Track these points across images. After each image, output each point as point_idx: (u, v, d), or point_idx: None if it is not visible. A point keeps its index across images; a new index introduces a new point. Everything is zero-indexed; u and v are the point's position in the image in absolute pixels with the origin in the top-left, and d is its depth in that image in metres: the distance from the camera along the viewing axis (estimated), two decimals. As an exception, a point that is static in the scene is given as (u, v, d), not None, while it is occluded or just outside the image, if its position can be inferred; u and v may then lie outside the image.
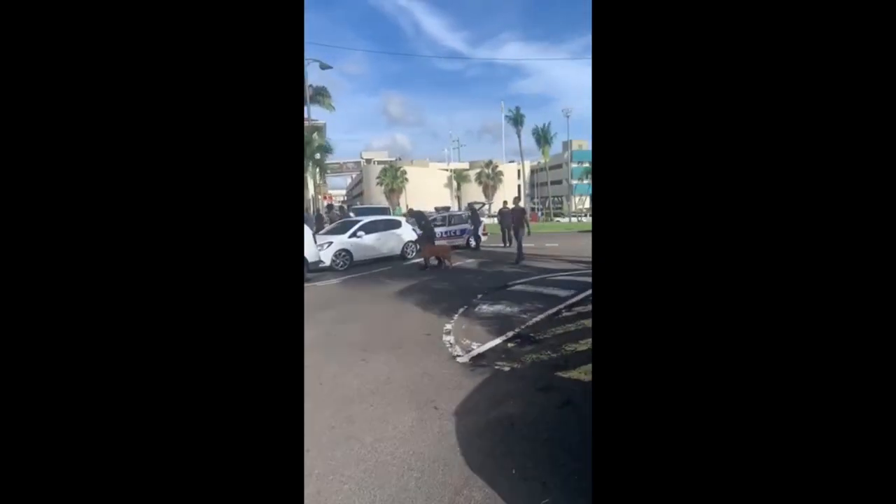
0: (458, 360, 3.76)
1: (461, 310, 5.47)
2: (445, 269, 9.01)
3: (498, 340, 4.20)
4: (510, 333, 4.39)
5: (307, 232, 8.64)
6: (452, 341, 4.26)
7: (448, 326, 4.75)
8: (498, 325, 4.72)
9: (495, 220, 16.57)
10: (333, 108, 22.21)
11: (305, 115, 19.41)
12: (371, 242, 10.44)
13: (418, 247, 10.42)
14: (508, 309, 5.40)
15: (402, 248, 11.06)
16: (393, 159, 50.36)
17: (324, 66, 18.43)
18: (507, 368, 3.49)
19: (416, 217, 10.66)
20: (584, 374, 3.22)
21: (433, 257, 9.41)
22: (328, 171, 23.96)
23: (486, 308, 5.54)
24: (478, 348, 4.02)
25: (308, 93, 19.26)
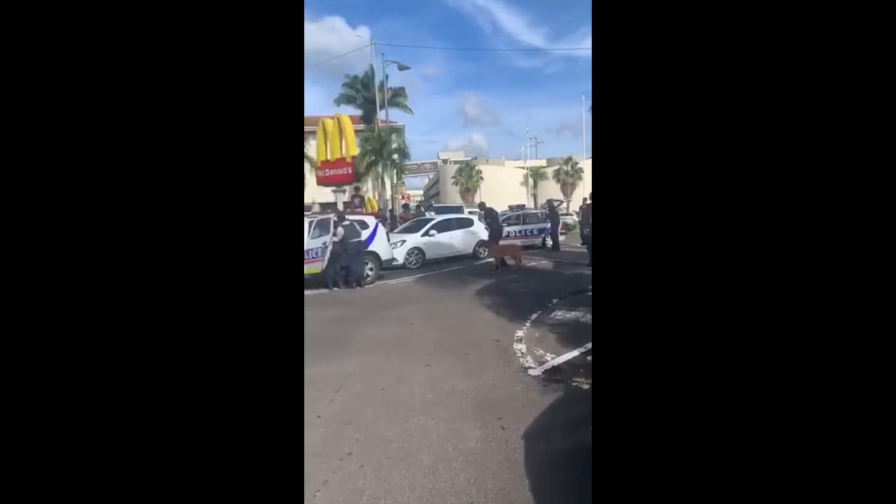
0: (530, 372, 3.41)
1: (534, 315, 5.07)
2: (518, 270, 8.62)
3: (575, 352, 3.77)
4: (590, 345, 3.92)
5: (381, 230, 8.75)
6: (524, 350, 3.91)
7: (519, 333, 4.40)
8: (576, 334, 4.26)
9: (575, 218, 15.69)
10: (410, 110, 22.63)
11: (383, 118, 20.00)
12: (443, 241, 10.34)
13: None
14: (588, 316, 4.89)
15: (475, 246, 10.81)
16: (468, 159, 50.47)
17: (402, 67, 18.85)
18: (585, 386, 3.07)
19: (486, 213, 10.35)
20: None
21: (505, 257, 9.06)
22: (406, 172, 24.51)
23: (562, 314, 5.08)
24: (552, 360, 3.63)
25: (387, 94, 19.82)
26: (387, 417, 2.75)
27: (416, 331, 4.77)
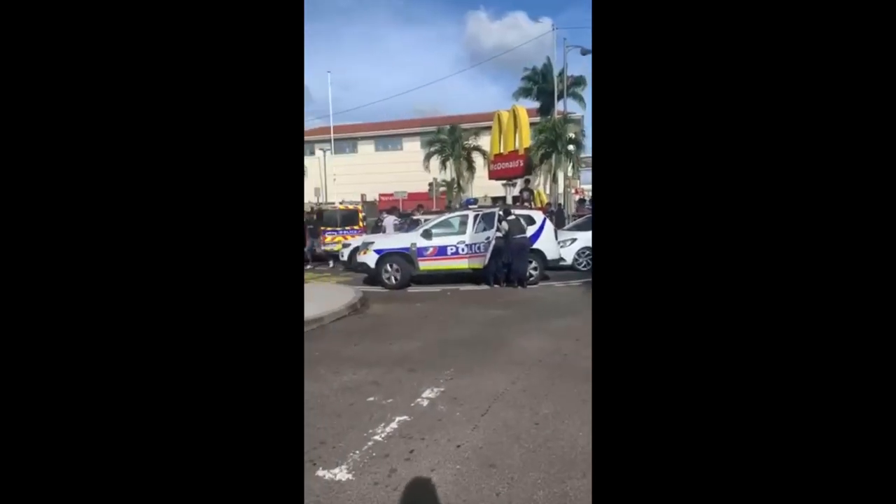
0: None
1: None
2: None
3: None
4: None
5: (548, 227, 8.07)
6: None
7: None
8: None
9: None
10: (584, 101, 21.02)
11: (560, 108, 18.94)
12: (621, 243, 9.06)
13: None
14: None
15: (660, 252, 9.18)
16: (655, 149, 44.97)
17: (585, 52, 17.53)
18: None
19: None
20: None
21: None
22: (582, 165, 22.90)
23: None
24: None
25: (567, 82, 18.69)
26: (538, 469, 2.19)
27: (581, 350, 4.03)
